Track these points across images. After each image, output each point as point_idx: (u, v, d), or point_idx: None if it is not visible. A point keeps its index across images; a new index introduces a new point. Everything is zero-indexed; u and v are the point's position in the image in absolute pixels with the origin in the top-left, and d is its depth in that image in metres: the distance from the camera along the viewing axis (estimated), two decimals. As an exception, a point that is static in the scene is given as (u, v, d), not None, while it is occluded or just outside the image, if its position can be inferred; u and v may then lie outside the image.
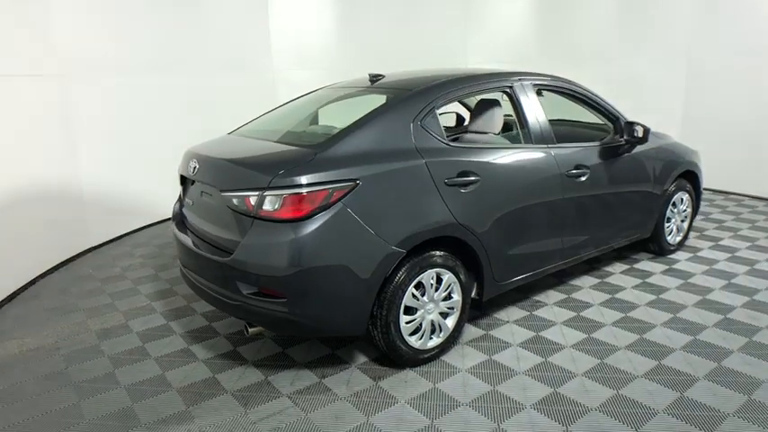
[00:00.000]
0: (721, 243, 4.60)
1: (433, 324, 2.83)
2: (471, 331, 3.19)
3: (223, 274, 2.57)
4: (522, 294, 3.64)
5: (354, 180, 2.47)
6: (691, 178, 4.34)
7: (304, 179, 2.39)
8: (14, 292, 3.88)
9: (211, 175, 2.70)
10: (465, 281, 2.89)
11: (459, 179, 2.79)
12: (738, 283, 3.77)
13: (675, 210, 4.26)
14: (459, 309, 2.92)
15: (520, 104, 3.24)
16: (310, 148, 2.59)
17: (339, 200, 2.42)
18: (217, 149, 2.85)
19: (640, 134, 3.60)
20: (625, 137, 3.68)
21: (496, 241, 2.97)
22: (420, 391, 2.62)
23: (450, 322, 2.90)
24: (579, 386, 2.62)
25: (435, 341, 2.85)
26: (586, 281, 3.87)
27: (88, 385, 2.74)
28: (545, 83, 3.47)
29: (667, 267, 4.09)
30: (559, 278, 3.90)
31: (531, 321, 3.28)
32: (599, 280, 3.88)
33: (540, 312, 3.39)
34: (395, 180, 2.59)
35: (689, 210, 4.40)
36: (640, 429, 2.29)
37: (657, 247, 4.27)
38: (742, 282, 3.78)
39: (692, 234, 4.85)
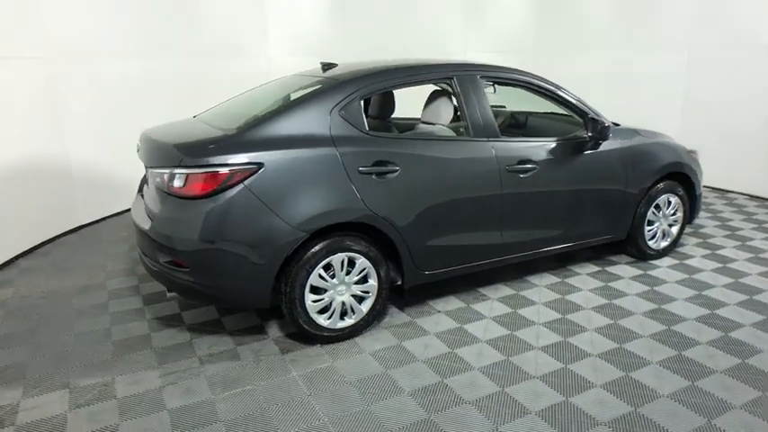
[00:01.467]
0: (719, 252, 4.27)
1: (345, 305, 2.95)
2: (400, 317, 3.27)
3: (149, 244, 2.84)
4: (468, 286, 3.65)
5: (259, 164, 2.63)
6: (683, 181, 4.07)
7: (207, 160, 2.59)
8: (25, 251, 4.43)
9: (146, 154, 2.97)
10: (381, 267, 2.98)
11: (375, 168, 2.86)
12: (709, 295, 3.53)
13: (660, 213, 4.02)
14: (375, 293, 3.01)
15: (459, 97, 3.23)
16: (229, 132, 2.77)
17: (241, 181, 2.60)
18: (160, 131, 3.10)
19: (598, 131, 3.45)
20: (588, 133, 3.53)
21: (417, 231, 3.01)
22: (317, 366, 2.76)
23: (365, 306, 3.00)
24: (469, 380, 2.64)
25: (347, 322, 2.97)
26: (545, 279, 3.78)
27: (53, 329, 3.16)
28: (497, 75, 3.41)
29: (641, 273, 3.89)
30: (518, 273, 3.85)
31: (464, 314, 3.29)
32: (558, 279, 3.78)
33: (477, 306, 3.39)
34: (302, 166, 2.71)
35: (679, 214, 4.12)
36: None
37: (636, 251, 4.06)
38: (714, 294, 3.53)
39: (692, 240, 4.54)
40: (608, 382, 2.60)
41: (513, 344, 2.96)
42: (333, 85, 2.93)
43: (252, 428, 2.30)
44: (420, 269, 3.12)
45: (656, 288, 3.64)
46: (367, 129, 2.92)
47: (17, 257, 4.32)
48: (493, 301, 3.46)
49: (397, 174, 2.92)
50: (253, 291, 2.73)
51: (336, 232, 2.83)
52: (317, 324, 2.88)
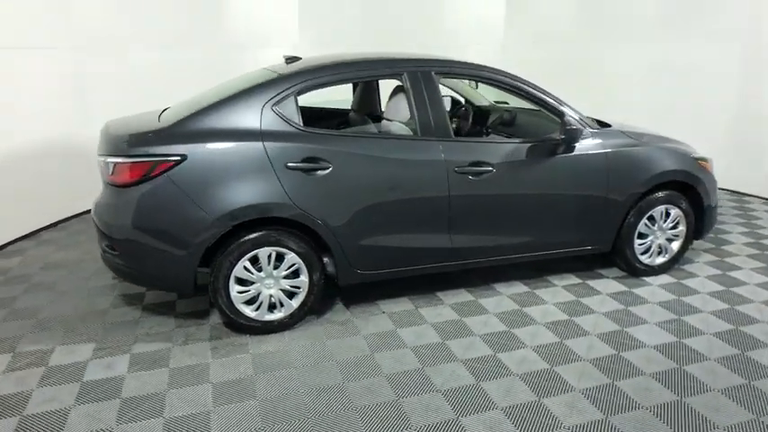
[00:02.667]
0: (731, 273, 3.80)
1: (274, 299, 2.98)
2: (341, 315, 3.25)
3: (96, 229, 3.04)
4: (427, 288, 3.54)
5: (182, 155, 2.72)
6: (689, 191, 3.65)
7: (133, 150, 2.72)
8: (50, 224, 4.90)
9: (99, 143, 3.16)
10: (312, 263, 2.98)
11: (304, 164, 2.85)
12: (687, 321, 3.16)
13: (655, 225, 3.64)
14: (306, 289, 3.02)
15: (409, 93, 3.11)
16: (163, 125, 2.88)
17: (163, 172, 2.70)
18: (116, 123, 3.17)
19: (564, 133, 3.19)
20: (561, 136, 3.27)
21: (350, 230, 2.97)
22: (236, 355, 2.83)
23: (296, 301, 3.02)
24: (368, 385, 2.58)
25: (276, 316, 3.01)
26: (513, 287, 3.58)
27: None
28: (455, 70, 3.26)
29: (623, 290, 3.56)
30: (486, 279, 3.67)
31: (406, 317, 3.21)
32: (527, 289, 3.56)
33: (424, 310, 3.29)
34: (226, 159, 2.77)
35: (681, 228, 3.71)
36: (374, 437, 2.24)
37: (626, 265, 3.71)
38: (694, 321, 3.16)
39: (707, 256, 4.07)
40: (511, 406, 2.43)
41: (436, 353, 2.84)
42: (269, 81, 2.95)
43: (146, 407, 2.42)
44: (355, 268, 3.08)
45: (631, 308, 3.32)
46: (301, 124, 2.91)
47: (41, 229, 4.79)
48: (444, 307, 3.33)
49: (328, 171, 2.89)
50: (176, 277, 2.84)
51: (263, 226, 2.86)
52: (243, 314, 2.95)
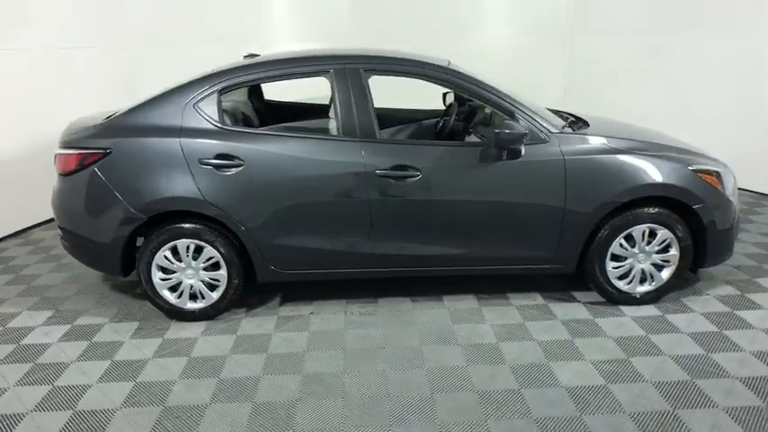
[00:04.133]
0: (740, 312, 3.12)
1: (194, 289, 3.12)
2: (266, 310, 3.29)
3: None
4: (359, 293, 3.42)
5: (106, 149, 2.94)
6: (684, 210, 3.06)
7: (69, 143, 3.01)
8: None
9: None
10: (228, 257, 3.05)
11: (216, 161, 2.92)
12: (633, 364, 2.67)
13: (636, 247, 3.11)
14: (225, 282, 3.10)
15: (333, 92, 3.00)
16: (102, 120, 3.12)
17: (91, 164, 2.95)
18: (80, 119, 3.35)
19: (495, 138, 2.87)
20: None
21: (264, 228, 2.98)
22: (150, 339, 3.02)
23: (216, 293, 3.13)
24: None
25: (197, 305, 3.15)
26: (460, 302, 3.31)
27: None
28: (387, 67, 3.07)
29: (585, 318, 3.11)
30: (437, 288, 3.44)
31: (304, 327, 3.16)
32: (475, 305, 3.27)
33: (332, 316, 3.20)
34: (146, 153, 2.93)
35: (673, 252, 3.12)
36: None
37: (597, 290, 3.24)
38: (642, 365, 2.66)
39: (726, 288, 3.38)
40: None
41: (273, 362, 2.76)
42: (195, 80, 3.04)
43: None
44: (272, 266, 3.09)
45: (576, 340, 2.90)
46: (219, 122, 2.98)
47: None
48: (348, 315, 3.20)
49: (241, 169, 2.92)
50: (105, 261, 3.10)
51: (182, 219, 2.99)
52: (165, 300, 3.12)
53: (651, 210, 3.04)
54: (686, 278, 3.48)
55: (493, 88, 3.07)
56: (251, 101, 4.04)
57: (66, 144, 3.03)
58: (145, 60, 5.66)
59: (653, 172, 3.00)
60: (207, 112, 2.98)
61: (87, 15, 5.15)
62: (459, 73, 3.08)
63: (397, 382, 2.58)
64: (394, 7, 6.46)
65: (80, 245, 3.12)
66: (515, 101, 3.05)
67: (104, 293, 3.55)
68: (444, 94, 4.22)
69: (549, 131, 3.01)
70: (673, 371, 2.61)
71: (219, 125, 2.98)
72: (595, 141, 3.06)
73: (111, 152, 2.94)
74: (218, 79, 3.02)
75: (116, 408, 2.45)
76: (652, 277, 3.19)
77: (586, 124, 3.35)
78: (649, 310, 3.18)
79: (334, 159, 2.94)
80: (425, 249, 3.08)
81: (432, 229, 3.05)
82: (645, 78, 5.88)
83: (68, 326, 3.17)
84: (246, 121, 3.51)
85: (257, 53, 3.57)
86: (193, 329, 3.10)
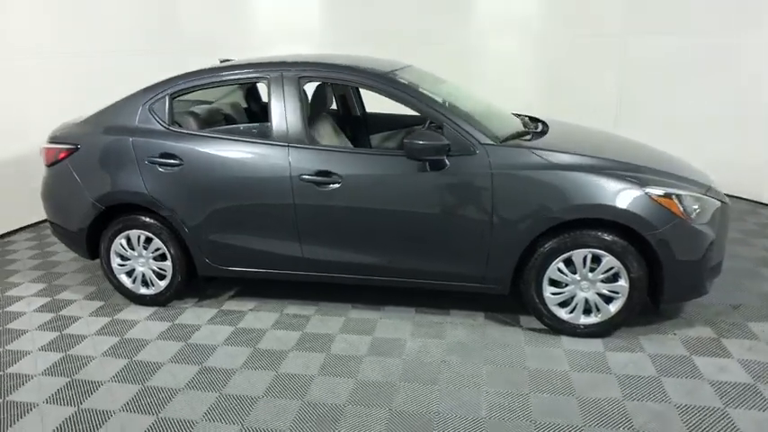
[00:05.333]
0: (697, 359, 2.69)
1: (146, 277, 3.39)
2: (205, 304, 3.47)
3: None
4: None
5: (76, 144, 3.30)
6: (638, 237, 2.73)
7: (49, 139, 3.41)
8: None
9: None
10: (173, 250, 3.27)
11: (159, 159, 3.14)
12: (529, 401, 2.43)
13: (577, 273, 2.82)
14: (171, 272, 3.33)
15: (270, 97, 3.08)
16: (80, 119, 3.49)
17: (64, 158, 3.33)
18: (73, 118, 3.80)
19: (408, 149, 2.78)
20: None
21: (200, 224, 3.15)
22: (104, 318, 3.33)
23: (164, 282, 3.37)
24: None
25: (149, 291, 3.41)
26: (394, 313, 3.23)
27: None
28: (324, 75, 3.09)
29: (511, 343, 2.88)
30: (382, 297, 3.38)
31: (235, 322, 3.25)
32: (397, 319, 3.17)
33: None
34: (105, 150, 3.24)
35: (622, 284, 2.79)
36: None
37: (536, 316, 2.98)
38: (535, 403, 2.42)
39: (704, 329, 2.93)
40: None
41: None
42: (154, 84, 3.29)
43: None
44: (209, 261, 3.25)
45: (485, 367, 2.70)
46: (168, 124, 3.20)
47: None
48: (282, 315, 3.24)
49: (180, 168, 3.12)
50: (77, 248, 3.46)
51: (137, 211, 3.26)
52: (123, 284, 3.42)
53: (592, 233, 2.74)
54: (661, 312, 3.09)
55: (426, 98, 2.96)
56: (249, 103, 4.26)
57: (49, 139, 3.44)
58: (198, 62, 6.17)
59: (592, 191, 2.70)
60: (159, 113, 3.22)
61: (144, 23, 5.77)
62: (393, 82, 3.01)
63: (277, 384, 2.60)
64: (443, 5, 6.43)
65: (59, 230, 3.53)
66: (447, 111, 2.91)
67: (98, 275, 3.95)
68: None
69: (479, 143, 2.84)
70: (572, 414, 2.34)
71: (166, 126, 3.20)
72: (530, 155, 2.82)
73: (79, 148, 3.30)
74: (169, 84, 3.24)
75: (34, 374, 2.76)
76: (597, 309, 2.87)
77: (543, 134, 3.11)
78: (592, 345, 2.86)
79: (264, 162, 3.03)
80: (349, 257, 3.06)
81: (354, 238, 3.02)
82: (705, 82, 5.24)
83: (49, 299, 3.60)
84: (229, 122, 3.69)
85: (232, 58, 3.77)
86: (141, 313, 3.36)
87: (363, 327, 3.11)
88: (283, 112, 3.05)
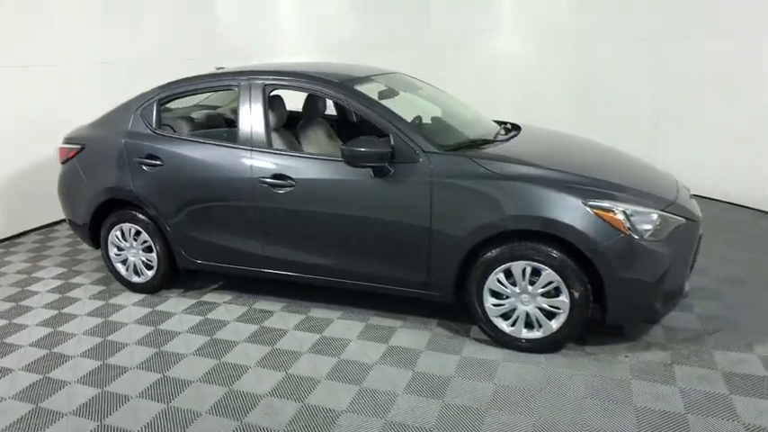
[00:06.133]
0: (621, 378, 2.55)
1: (137, 267, 3.73)
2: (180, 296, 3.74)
3: None
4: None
5: (82, 145, 3.71)
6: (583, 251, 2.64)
7: (63, 139, 3.85)
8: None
9: None
10: (158, 243, 3.58)
11: (145, 160, 3.46)
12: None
13: (517, 286, 2.78)
14: (156, 263, 3.65)
15: (238, 104, 3.29)
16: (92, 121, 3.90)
17: (73, 156, 3.75)
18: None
19: (344, 155, 2.89)
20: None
21: (177, 220, 3.43)
22: (99, 302, 3.71)
23: (150, 272, 3.70)
24: None
25: (140, 279, 3.75)
26: (332, 312, 3.33)
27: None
28: (287, 83, 3.25)
29: (459, 357, 2.88)
30: (342, 301, 3.49)
31: (204, 312, 3.48)
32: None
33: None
34: (103, 150, 3.62)
35: (563, 299, 2.70)
36: None
37: (479, 326, 2.96)
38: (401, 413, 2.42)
39: (658, 353, 2.77)
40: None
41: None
42: (148, 91, 3.62)
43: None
44: (186, 254, 3.52)
45: (383, 359, 2.73)
46: (154, 127, 3.51)
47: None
48: (250, 310, 3.43)
49: (160, 168, 3.42)
50: (86, 238, 3.87)
51: (129, 206, 3.61)
52: (119, 272, 3.79)
53: (531, 245, 2.69)
54: (624, 332, 2.96)
55: (379, 107, 3.06)
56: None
57: (63, 140, 3.89)
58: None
59: (530, 202, 2.65)
60: (146, 118, 3.55)
61: (188, 33, 6.29)
62: (348, 90, 3.12)
63: (214, 371, 2.79)
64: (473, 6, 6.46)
65: (71, 223, 3.96)
66: (394, 120, 2.98)
67: (109, 262, 4.38)
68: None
69: (422, 151, 2.87)
70: (476, 428, 2.32)
71: (153, 130, 3.52)
72: (472, 164, 2.81)
73: (84, 148, 3.71)
74: (158, 92, 3.56)
75: (22, 345, 3.15)
76: (539, 323, 2.80)
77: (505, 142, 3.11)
78: (531, 359, 2.79)
79: (230, 165, 3.25)
80: (302, 257, 3.20)
81: (306, 239, 3.15)
82: (747, 86, 4.86)
83: (62, 282, 4.05)
84: (230, 126, 3.96)
85: (223, 66, 4.05)
86: (131, 299, 3.70)
87: (317, 325, 3.24)
88: (249, 118, 3.26)
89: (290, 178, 3.10)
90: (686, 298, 2.99)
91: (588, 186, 2.69)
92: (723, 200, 5.27)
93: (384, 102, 3.67)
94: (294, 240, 3.20)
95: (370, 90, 3.57)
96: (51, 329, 3.33)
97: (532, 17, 6.39)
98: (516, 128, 3.61)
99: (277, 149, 3.21)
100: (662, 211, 2.68)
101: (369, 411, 2.45)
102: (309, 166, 3.10)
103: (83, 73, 5.44)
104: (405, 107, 3.79)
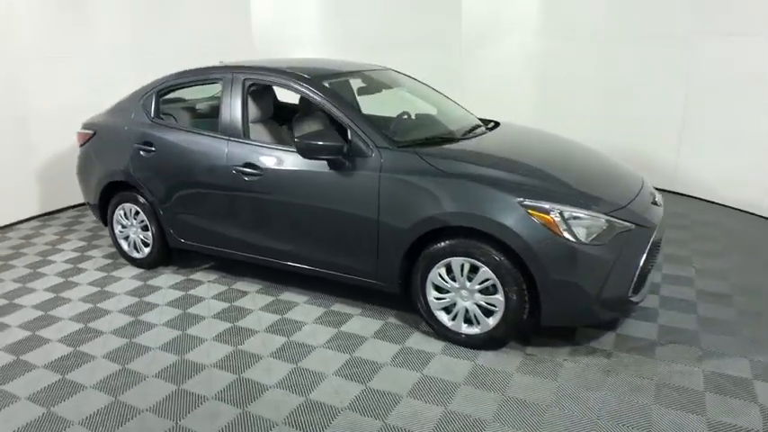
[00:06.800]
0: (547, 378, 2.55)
1: (137, 244, 4.08)
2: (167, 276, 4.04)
3: None
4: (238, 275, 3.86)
5: (95, 130, 4.10)
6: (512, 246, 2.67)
7: (82, 125, 4.26)
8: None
9: None
10: (152, 222, 3.90)
11: (142, 145, 3.78)
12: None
13: (457, 282, 2.83)
14: (152, 242, 3.97)
15: (222, 96, 3.52)
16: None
17: (87, 141, 4.15)
18: None
19: (298, 148, 3.04)
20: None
21: (168, 202, 3.72)
22: (102, 274, 4.10)
23: (147, 249, 4.03)
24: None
25: (139, 255, 4.09)
26: (313, 298, 3.49)
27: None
28: (265, 79, 3.46)
29: (397, 348, 2.97)
30: (314, 284, 3.66)
31: (190, 288, 3.74)
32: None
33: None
34: (110, 136, 3.99)
35: (498, 297, 2.73)
36: None
37: (423, 318, 3.03)
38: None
39: (600, 359, 2.74)
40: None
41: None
42: (148, 84, 3.94)
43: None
44: (176, 235, 3.81)
45: (329, 344, 2.85)
46: (152, 116, 3.82)
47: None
48: (209, 284, 3.66)
49: (153, 153, 3.73)
50: (98, 217, 4.27)
51: (127, 188, 3.96)
52: (122, 248, 4.16)
53: (468, 242, 2.73)
54: (575, 336, 2.94)
55: (341, 102, 3.18)
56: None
57: (81, 126, 4.30)
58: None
59: (467, 200, 2.71)
60: (147, 107, 3.87)
61: (218, 30, 6.67)
62: (316, 86, 3.28)
63: (177, 341, 3.05)
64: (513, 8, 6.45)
65: (87, 202, 4.39)
66: (352, 115, 3.11)
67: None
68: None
69: (375, 146, 2.98)
70: (385, 412, 2.42)
71: (150, 118, 3.83)
72: (419, 160, 2.89)
73: (96, 133, 4.09)
74: (157, 84, 3.88)
75: (25, 305, 3.56)
76: (477, 320, 2.84)
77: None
78: (467, 353, 2.84)
79: (210, 153, 3.51)
80: (268, 242, 3.40)
81: (273, 225, 3.35)
82: None
83: (79, 254, 4.49)
84: None
85: (225, 60, 4.31)
86: (131, 273, 4.06)
87: (282, 307, 3.43)
88: (229, 110, 3.49)
89: (258, 167, 3.30)
90: (638, 305, 2.92)
91: (527, 186, 2.69)
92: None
93: (364, 97, 3.83)
94: (260, 226, 3.40)
95: (348, 86, 3.72)
96: (54, 294, 3.73)
97: (562, 17, 6.25)
98: (496, 125, 3.64)
99: (252, 140, 3.42)
100: (607, 215, 2.65)
101: (295, 389, 2.60)
102: (276, 156, 3.29)
103: (122, 65, 5.93)
104: (386, 102, 3.92)
